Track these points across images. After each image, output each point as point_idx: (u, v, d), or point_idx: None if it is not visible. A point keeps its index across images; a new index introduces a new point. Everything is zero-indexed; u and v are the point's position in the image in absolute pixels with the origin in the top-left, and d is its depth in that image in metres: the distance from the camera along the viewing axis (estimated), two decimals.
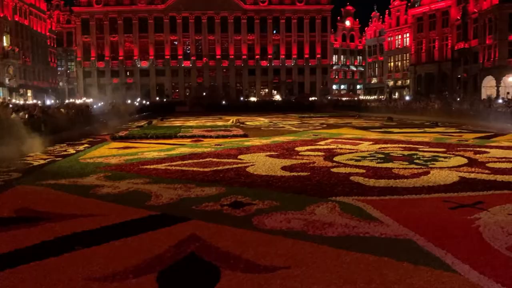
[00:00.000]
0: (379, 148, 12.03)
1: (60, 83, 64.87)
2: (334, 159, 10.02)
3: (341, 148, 12.08)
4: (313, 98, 58.07)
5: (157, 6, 64.27)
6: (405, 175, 7.92)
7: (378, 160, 9.76)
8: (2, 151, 9.92)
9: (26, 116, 15.14)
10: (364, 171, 8.40)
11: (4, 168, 9.11)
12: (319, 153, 11.01)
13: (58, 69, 64.84)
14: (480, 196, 6.22)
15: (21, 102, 37.75)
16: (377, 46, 68.15)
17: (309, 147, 12.42)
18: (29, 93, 52.56)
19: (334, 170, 8.57)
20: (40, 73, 56.68)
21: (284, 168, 8.81)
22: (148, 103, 51.88)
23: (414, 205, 5.86)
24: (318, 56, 67.19)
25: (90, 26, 64.41)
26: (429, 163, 9.28)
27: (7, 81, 46.26)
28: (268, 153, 11.11)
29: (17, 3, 49.95)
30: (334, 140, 14.41)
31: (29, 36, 53.36)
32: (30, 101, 43.28)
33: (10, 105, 22.15)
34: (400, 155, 10.66)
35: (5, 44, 46.48)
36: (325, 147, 12.53)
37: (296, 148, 12.16)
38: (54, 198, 6.50)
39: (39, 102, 34.16)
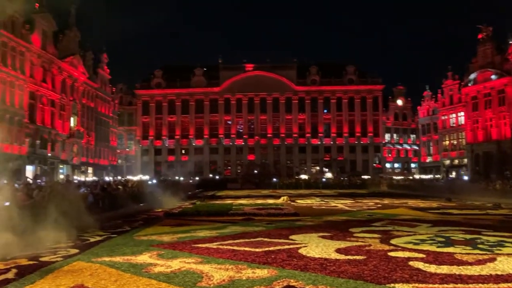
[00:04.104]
0: (439, 231, 11.42)
1: (119, 161, 67.91)
2: (391, 241, 9.59)
3: (398, 230, 11.58)
4: (365, 177, 57.11)
5: (212, 89, 67.66)
6: (469, 261, 7.41)
7: (439, 244, 9.23)
8: (63, 227, 10.26)
9: (87, 192, 15.81)
10: (424, 255, 7.94)
11: (63, 243, 9.40)
12: (375, 235, 10.59)
13: (118, 147, 68.27)
14: None
15: (83, 179, 39.66)
16: (430, 125, 67.24)
17: (364, 228, 12.00)
18: (90, 170, 55.26)
19: (392, 254, 8.17)
20: (101, 151, 59.84)
21: (338, 250, 8.51)
22: (201, 179, 53.02)
23: None
24: (370, 134, 67.07)
25: (150, 107, 68.42)
26: (494, 248, 8.66)
27: (70, 159, 49.07)
28: (321, 234, 10.83)
29: (85, 87, 54.26)
30: (390, 221, 13.88)
31: (94, 117, 57.19)
32: (90, 178, 45.38)
33: (74, 181, 23.25)
34: (462, 239, 10.05)
35: (72, 124, 49.94)
36: (381, 228, 12.07)
37: (350, 229, 11.78)
38: (108, 277, 6.56)
39: (99, 179, 35.71)
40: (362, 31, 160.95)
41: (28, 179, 24.84)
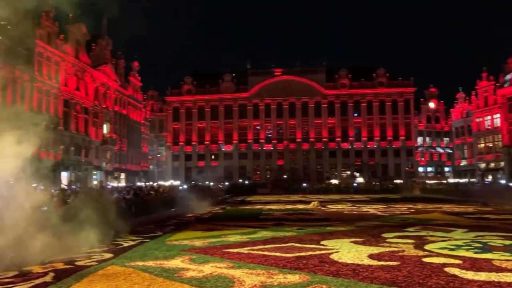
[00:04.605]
0: (475, 236, 11.09)
1: (151, 167, 68.97)
2: (425, 247, 9.38)
3: (432, 236, 11.31)
4: (398, 181, 56.07)
5: (241, 94, 67.99)
6: (508, 268, 7.16)
7: (476, 250, 8.96)
8: (97, 232, 10.47)
9: (120, 197, 16.10)
10: (460, 261, 7.73)
11: (98, 248, 9.59)
12: (409, 241, 10.37)
13: (149, 153, 69.37)
14: None
15: (115, 184, 40.45)
16: (464, 127, 65.54)
17: (397, 234, 11.77)
18: (122, 176, 56.31)
19: (426, 260, 7.99)
20: (133, 157, 60.94)
21: (371, 256, 8.37)
22: (231, 185, 53.25)
23: None
24: (402, 138, 65.89)
25: (180, 113, 69.28)
26: None
27: (104, 165, 50.17)
28: (353, 239, 10.68)
29: (118, 95, 55.45)
30: (424, 226, 13.58)
31: (126, 124, 58.34)
32: (123, 184, 46.24)
33: (108, 187, 23.72)
34: (500, 244, 9.72)
35: (105, 131, 51.08)
36: (415, 234, 11.81)
37: (383, 235, 11.58)
38: (141, 281, 6.66)
39: (131, 185, 36.35)
40: (384, 32, 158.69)
41: (63, 185, 25.54)
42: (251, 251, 9.14)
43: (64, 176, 40.42)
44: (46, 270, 7.43)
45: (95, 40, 49.34)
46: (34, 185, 11.40)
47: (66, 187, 24.08)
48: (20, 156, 8.40)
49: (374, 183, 53.69)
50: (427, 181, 53.49)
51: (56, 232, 9.01)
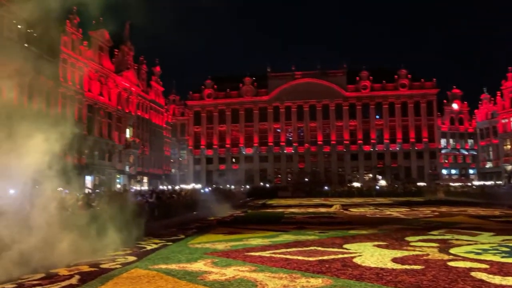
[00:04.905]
0: (502, 240, 10.84)
1: (173, 170, 69.55)
2: (450, 251, 9.22)
3: (457, 239, 11.10)
4: (421, 184, 55.21)
5: (261, 97, 68.07)
6: None
7: (503, 254, 8.76)
8: (121, 235, 10.61)
9: (143, 201, 16.29)
10: (487, 266, 7.57)
11: (121, 251, 9.72)
12: (433, 244, 10.21)
13: (171, 157, 69.99)
14: None
15: (138, 188, 40.95)
16: (489, 129, 64.17)
17: (421, 237, 11.60)
18: (145, 179, 56.94)
19: (452, 264, 7.85)
20: (155, 161, 61.58)
21: (394, 260, 8.27)
22: (252, 188, 53.25)
23: None
24: (425, 140, 64.91)
25: (201, 117, 69.75)
26: None
27: (127, 168, 50.83)
28: (376, 243, 10.57)
29: (140, 100, 56.18)
30: (448, 229, 13.35)
31: (148, 128, 59.03)
32: (146, 187, 46.76)
33: (131, 190, 24.02)
34: None
35: (127, 135, 51.79)
36: (439, 237, 11.62)
37: (407, 238, 11.43)
38: (165, 284, 6.72)
39: (154, 188, 36.74)
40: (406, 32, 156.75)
41: (87, 189, 26.00)
42: (273, 255, 9.14)
43: (88, 180, 41.07)
44: (71, 272, 7.57)
45: (117, 46, 50.10)
46: (60, 189, 11.63)
47: (90, 191, 24.50)
48: (46, 156, 8.58)
49: (396, 186, 52.99)
50: (451, 184, 52.55)
51: (81, 235, 9.17)
